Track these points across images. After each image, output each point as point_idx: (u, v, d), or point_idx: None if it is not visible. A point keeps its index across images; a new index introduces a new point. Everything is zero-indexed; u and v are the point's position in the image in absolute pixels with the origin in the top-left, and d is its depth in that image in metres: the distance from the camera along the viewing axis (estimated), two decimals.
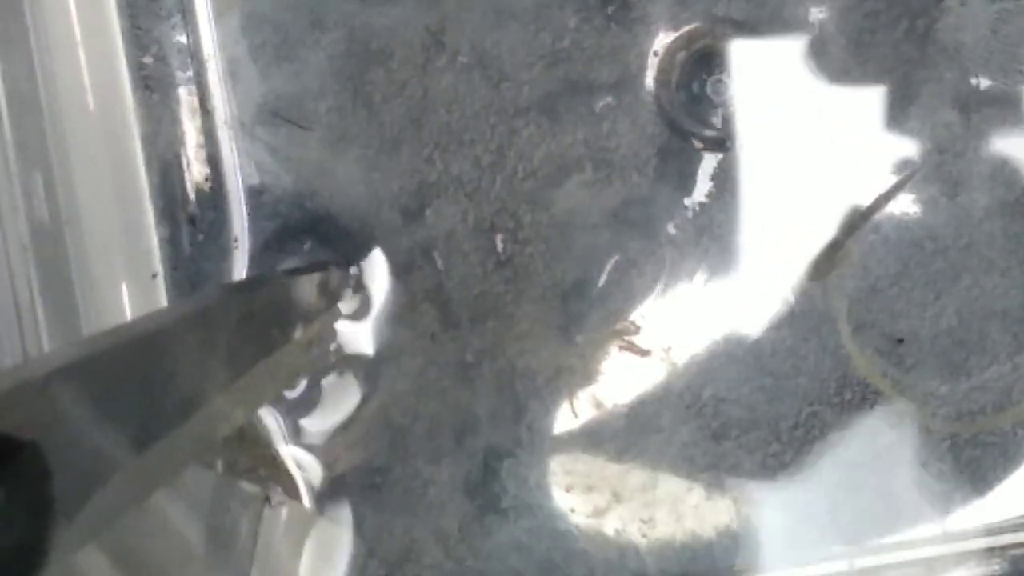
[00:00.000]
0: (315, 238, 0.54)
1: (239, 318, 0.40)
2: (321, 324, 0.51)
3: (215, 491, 0.51)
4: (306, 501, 0.54)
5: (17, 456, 0.24)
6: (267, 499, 0.53)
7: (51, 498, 0.24)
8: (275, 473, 0.54)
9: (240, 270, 0.54)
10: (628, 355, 0.54)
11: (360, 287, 0.54)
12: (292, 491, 0.54)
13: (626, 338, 0.54)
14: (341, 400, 0.54)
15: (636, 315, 0.54)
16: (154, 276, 0.54)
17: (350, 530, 0.54)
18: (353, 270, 0.54)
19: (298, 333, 0.46)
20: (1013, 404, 0.53)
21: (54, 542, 0.24)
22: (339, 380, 0.54)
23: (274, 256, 0.54)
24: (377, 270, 0.54)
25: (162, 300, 0.54)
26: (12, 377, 0.25)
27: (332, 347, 0.53)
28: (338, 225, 0.54)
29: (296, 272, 0.52)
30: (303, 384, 0.54)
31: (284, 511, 0.53)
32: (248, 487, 0.53)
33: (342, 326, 0.53)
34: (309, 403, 0.54)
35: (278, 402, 0.54)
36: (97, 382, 0.28)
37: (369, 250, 0.54)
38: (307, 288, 0.49)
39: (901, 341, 0.53)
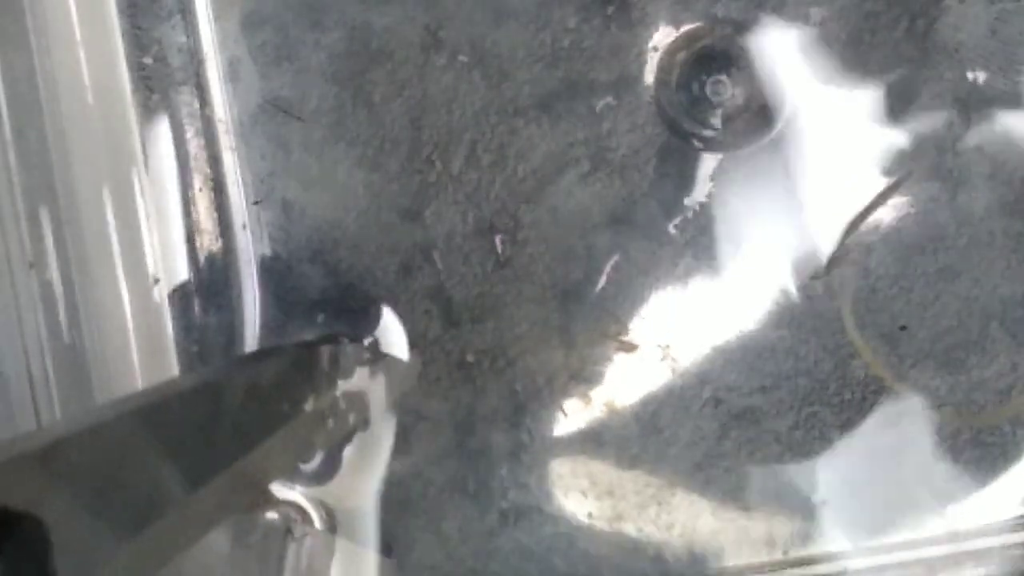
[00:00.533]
0: (323, 268, 0.54)
1: (246, 391, 0.39)
2: (335, 396, 0.50)
3: (234, 528, 0.51)
4: (319, 527, 0.54)
5: (16, 528, 0.23)
6: (289, 531, 0.53)
7: (52, 573, 0.24)
8: (293, 506, 0.54)
9: (240, 274, 0.54)
10: (620, 353, 0.54)
11: (377, 357, 0.53)
12: (310, 521, 0.54)
13: (620, 338, 0.54)
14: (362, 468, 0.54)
15: (636, 315, 0.54)
16: (156, 282, 0.54)
17: (374, 550, 0.54)
18: (368, 340, 0.54)
19: (309, 406, 0.45)
20: (1013, 403, 0.53)
21: None
22: (360, 450, 0.54)
23: (280, 269, 0.54)
24: (394, 338, 0.54)
25: (163, 300, 0.54)
26: (13, 447, 0.25)
27: (351, 418, 0.52)
28: (342, 247, 0.54)
29: (305, 344, 0.52)
30: (319, 457, 0.53)
31: (308, 541, 0.53)
32: (268, 520, 0.53)
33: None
34: (328, 472, 0.54)
35: (292, 475, 0.53)
36: (100, 453, 0.28)
37: (381, 314, 0.54)
38: (317, 360, 0.48)
39: (904, 328, 0.53)
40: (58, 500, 0.25)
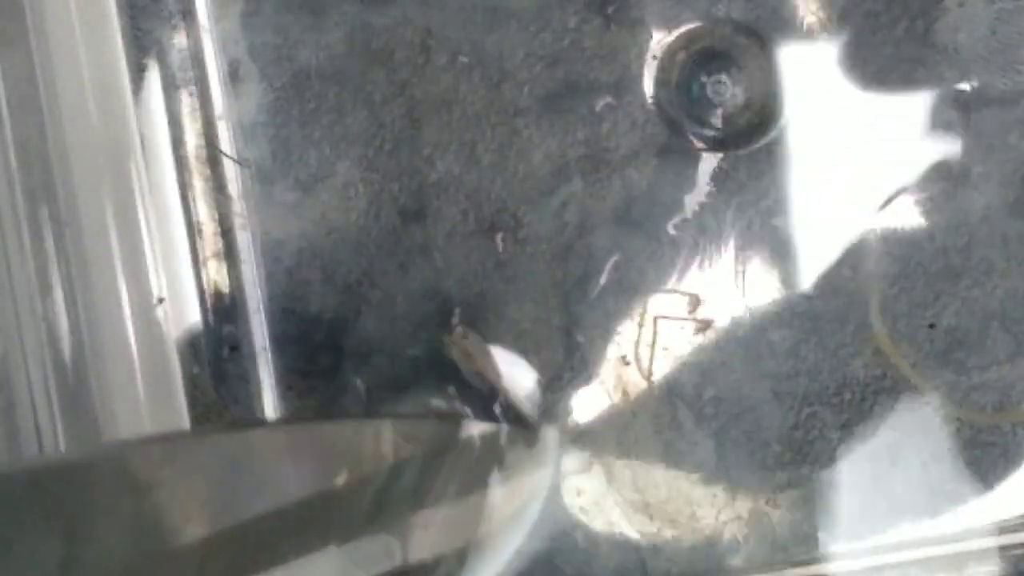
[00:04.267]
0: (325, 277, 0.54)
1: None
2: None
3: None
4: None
5: None
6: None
7: None
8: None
9: (242, 275, 0.54)
10: (621, 353, 0.54)
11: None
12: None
13: (621, 338, 0.54)
14: None
15: (636, 315, 0.54)
16: (160, 301, 0.54)
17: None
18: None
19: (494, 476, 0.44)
20: (1013, 404, 0.53)
21: None
22: None
23: (281, 271, 0.54)
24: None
25: (164, 303, 0.54)
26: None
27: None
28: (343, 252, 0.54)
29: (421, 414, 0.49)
30: None
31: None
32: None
33: None
34: None
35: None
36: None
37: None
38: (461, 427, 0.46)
39: (933, 326, 0.53)
40: None
